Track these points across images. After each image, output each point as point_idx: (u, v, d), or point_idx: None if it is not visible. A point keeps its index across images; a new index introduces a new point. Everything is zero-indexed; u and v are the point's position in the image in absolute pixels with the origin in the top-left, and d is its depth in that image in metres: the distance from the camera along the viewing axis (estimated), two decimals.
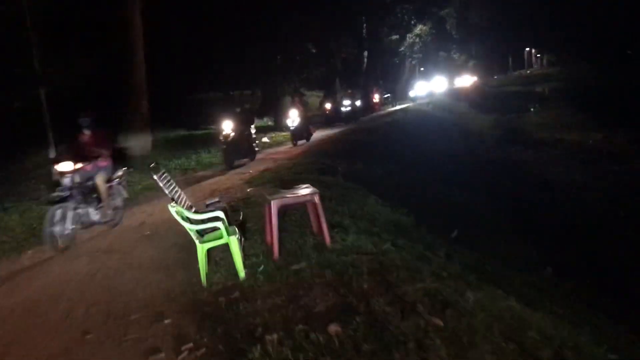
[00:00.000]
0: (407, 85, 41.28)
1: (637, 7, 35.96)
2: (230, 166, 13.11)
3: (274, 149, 17.22)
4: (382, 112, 30.76)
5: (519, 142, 23.85)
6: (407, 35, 36.05)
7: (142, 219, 8.07)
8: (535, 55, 73.31)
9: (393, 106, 35.02)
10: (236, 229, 4.96)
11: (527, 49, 70.05)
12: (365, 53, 34.15)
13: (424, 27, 37.87)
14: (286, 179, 9.20)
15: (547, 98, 44.10)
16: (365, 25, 32.30)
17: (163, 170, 6.24)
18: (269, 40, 22.76)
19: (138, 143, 15.46)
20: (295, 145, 17.03)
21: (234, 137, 13.22)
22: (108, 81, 17.07)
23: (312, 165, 11.39)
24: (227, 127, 13.24)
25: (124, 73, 15.84)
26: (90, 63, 17.80)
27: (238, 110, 15.94)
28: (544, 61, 70.26)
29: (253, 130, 14.72)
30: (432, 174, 14.84)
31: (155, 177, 5.83)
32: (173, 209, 4.69)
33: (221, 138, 13.30)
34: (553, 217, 12.52)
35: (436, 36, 39.57)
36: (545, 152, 21.26)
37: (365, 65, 34.27)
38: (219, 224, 4.76)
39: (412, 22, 35.73)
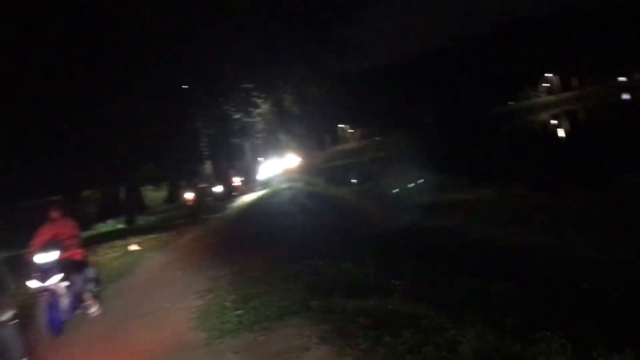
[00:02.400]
0: (253, 168, 38.93)
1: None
2: None
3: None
4: (247, 198, 27.99)
5: (412, 207, 22.46)
6: (252, 113, 33.79)
7: None
8: (348, 131, 77.39)
9: (252, 190, 32.11)
10: None
11: (340, 125, 73.50)
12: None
13: (266, 106, 36.09)
14: None
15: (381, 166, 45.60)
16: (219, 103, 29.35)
17: None
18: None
19: None
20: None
21: None
22: None
23: None
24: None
25: None
26: None
27: None
28: (357, 135, 74.59)
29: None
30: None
31: None
32: None
33: None
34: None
35: (279, 114, 38.18)
36: (455, 215, 19.98)
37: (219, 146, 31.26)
38: None
39: (258, 99, 33.70)
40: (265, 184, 35.30)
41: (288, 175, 39.18)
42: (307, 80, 38.99)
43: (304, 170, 46.49)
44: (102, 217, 26.19)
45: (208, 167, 33.48)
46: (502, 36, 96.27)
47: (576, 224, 13.45)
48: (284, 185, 29.89)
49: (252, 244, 13.30)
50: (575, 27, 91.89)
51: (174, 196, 32.78)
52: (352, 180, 41.55)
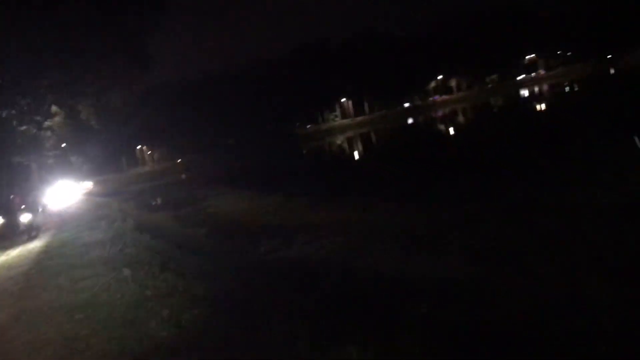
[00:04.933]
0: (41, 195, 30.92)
1: None
2: None
3: None
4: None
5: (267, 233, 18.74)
6: (43, 124, 26.89)
7: None
8: (147, 153, 71.17)
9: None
10: None
11: (139, 146, 67.23)
12: None
13: (57, 119, 29.41)
14: None
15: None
16: None
17: None
18: None
19: None
20: None
21: None
22: None
23: None
24: None
25: None
26: None
27: None
28: (155, 157, 69.08)
29: None
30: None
31: None
32: None
33: None
34: None
35: (74, 128, 31.55)
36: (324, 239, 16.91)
37: None
38: None
39: (51, 106, 27.04)
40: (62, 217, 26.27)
41: (89, 202, 32.48)
42: (108, 89, 33.09)
43: (105, 194, 40.47)
44: None
45: None
46: (299, 59, 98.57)
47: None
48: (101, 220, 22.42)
49: None
50: (364, 56, 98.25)
51: None
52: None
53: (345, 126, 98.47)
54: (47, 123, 27.69)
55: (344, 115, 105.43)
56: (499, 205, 12.64)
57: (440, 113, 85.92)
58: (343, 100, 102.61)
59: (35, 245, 16.13)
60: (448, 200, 14.97)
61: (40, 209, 23.80)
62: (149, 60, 37.09)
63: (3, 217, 20.48)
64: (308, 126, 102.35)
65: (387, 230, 12.78)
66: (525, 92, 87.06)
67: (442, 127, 60.80)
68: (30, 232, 18.96)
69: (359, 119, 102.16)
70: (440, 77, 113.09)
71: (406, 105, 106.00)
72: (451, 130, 52.04)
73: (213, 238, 18.02)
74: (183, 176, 61.39)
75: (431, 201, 15.75)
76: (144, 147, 70.19)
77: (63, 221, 23.17)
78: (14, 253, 15.06)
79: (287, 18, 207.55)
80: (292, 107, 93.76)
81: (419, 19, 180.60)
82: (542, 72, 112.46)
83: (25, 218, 18.99)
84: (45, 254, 13.40)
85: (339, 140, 78.13)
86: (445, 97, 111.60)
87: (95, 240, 13.50)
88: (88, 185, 47.97)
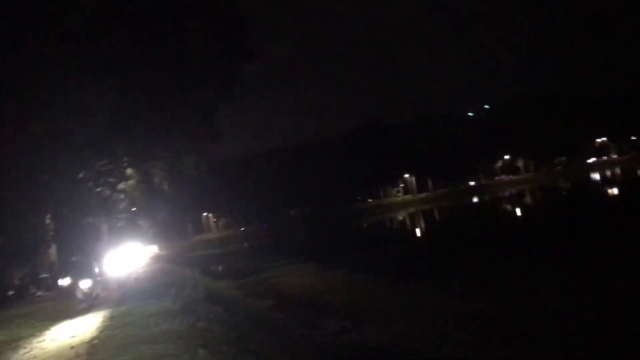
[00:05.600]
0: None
1: None
2: None
3: None
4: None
5: (336, 312, 17.92)
6: (117, 186, 27.45)
7: None
8: (212, 220, 72.44)
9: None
10: None
11: (205, 214, 68.59)
12: None
13: (131, 182, 30.04)
14: None
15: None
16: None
17: None
18: None
19: None
20: None
21: None
22: None
23: None
24: None
25: None
26: None
27: None
28: (219, 225, 70.12)
29: None
30: None
31: None
32: None
33: None
34: None
35: (146, 192, 32.12)
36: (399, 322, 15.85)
37: None
38: None
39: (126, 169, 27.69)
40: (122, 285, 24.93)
41: (155, 266, 32.50)
42: (181, 156, 33.88)
43: (170, 259, 40.80)
44: None
45: (52, 251, 26.44)
46: (365, 136, 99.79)
47: None
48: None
49: None
50: (430, 133, 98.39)
51: None
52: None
53: (407, 202, 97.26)
54: (120, 186, 28.25)
55: (407, 191, 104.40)
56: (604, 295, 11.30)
57: (507, 193, 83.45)
58: (406, 175, 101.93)
59: (98, 311, 15.52)
60: (536, 286, 13.74)
61: (99, 272, 22.52)
62: (219, 132, 38.34)
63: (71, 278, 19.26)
64: (369, 200, 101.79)
65: (479, 319, 11.57)
66: (596, 175, 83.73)
67: (509, 207, 58.49)
68: (90, 298, 17.02)
69: (422, 195, 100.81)
70: (507, 157, 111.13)
71: (471, 183, 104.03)
72: (520, 212, 49.75)
73: (280, 311, 17.27)
74: (245, 245, 61.78)
75: (516, 287, 14.52)
76: (210, 215, 71.53)
77: (129, 286, 22.95)
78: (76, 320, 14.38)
79: (351, 98, 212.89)
80: (354, 182, 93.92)
81: (486, 100, 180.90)
82: (614, 156, 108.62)
83: (85, 284, 16.53)
84: (110, 321, 12.87)
85: (401, 216, 76.87)
86: (512, 177, 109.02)
87: (164, 310, 12.81)
88: (154, 249, 48.71)
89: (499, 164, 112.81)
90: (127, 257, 31.77)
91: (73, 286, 16.83)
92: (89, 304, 15.84)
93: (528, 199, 64.28)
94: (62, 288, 19.63)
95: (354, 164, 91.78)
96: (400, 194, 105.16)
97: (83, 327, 12.63)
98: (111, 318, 13.31)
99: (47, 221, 23.63)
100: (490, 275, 17.37)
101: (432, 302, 14.96)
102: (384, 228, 63.26)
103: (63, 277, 20.35)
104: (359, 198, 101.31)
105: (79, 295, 16.06)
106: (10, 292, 22.27)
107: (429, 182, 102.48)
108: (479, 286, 15.56)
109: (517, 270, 17.00)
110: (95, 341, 10.34)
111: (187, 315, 11.44)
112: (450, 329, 11.50)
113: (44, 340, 11.67)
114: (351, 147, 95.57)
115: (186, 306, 13.19)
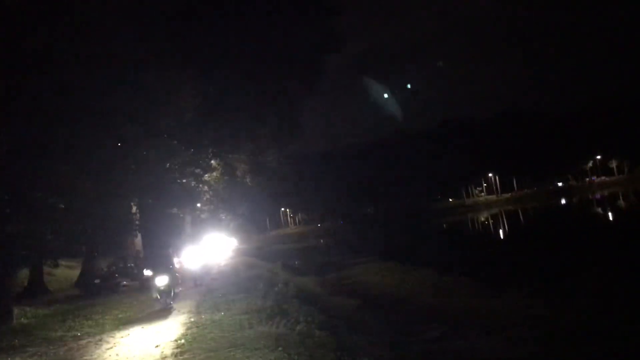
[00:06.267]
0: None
1: None
2: None
3: None
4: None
5: (427, 315, 16.40)
6: (202, 177, 27.03)
7: None
8: (290, 215, 72.62)
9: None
10: None
11: (283, 209, 68.73)
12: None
13: (215, 174, 29.68)
14: None
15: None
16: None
17: None
18: None
19: None
20: None
21: None
22: None
23: None
24: None
25: None
26: None
27: None
28: (297, 220, 70.17)
29: None
30: None
31: None
32: None
33: None
34: None
35: (229, 184, 31.80)
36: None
37: None
38: None
39: (210, 160, 27.30)
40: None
41: (237, 260, 32.00)
42: (264, 149, 33.28)
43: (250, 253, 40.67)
44: None
45: (138, 241, 26.38)
46: (446, 133, 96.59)
47: None
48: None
49: None
50: (516, 131, 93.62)
51: (87, 277, 23.86)
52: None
53: (490, 202, 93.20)
54: (205, 177, 27.93)
55: (490, 190, 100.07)
56: None
57: (598, 195, 77.59)
58: (490, 175, 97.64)
59: (184, 304, 14.60)
60: None
61: (180, 267, 21.44)
62: (300, 126, 37.68)
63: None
64: (450, 200, 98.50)
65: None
66: None
67: (602, 211, 53.48)
68: (167, 297, 14.70)
69: (506, 195, 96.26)
70: (598, 157, 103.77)
71: (559, 184, 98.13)
72: (613, 216, 45.13)
73: (369, 313, 15.92)
74: (322, 241, 61.24)
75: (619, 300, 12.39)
76: (288, 210, 71.68)
77: (212, 280, 22.22)
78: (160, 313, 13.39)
79: (434, 94, 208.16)
80: (435, 180, 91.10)
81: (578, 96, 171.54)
82: None
83: (161, 281, 14.41)
84: (197, 317, 11.91)
85: (483, 217, 73.44)
86: (604, 178, 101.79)
87: (255, 309, 11.62)
88: (233, 242, 48.86)
89: (590, 164, 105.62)
90: (211, 250, 31.27)
91: (150, 281, 15.41)
92: (165, 305, 14.17)
93: (622, 203, 58.72)
94: (146, 278, 19.03)
95: (435, 161, 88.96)
96: (483, 194, 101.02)
97: (168, 323, 11.78)
98: (198, 314, 12.36)
99: (134, 210, 23.40)
100: (588, 283, 15.25)
101: (530, 311, 13.05)
102: (465, 229, 60.53)
103: (147, 267, 19.72)
104: (438, 197, 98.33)
105: (154, 294, 14.55)
106: (97, 280, 22.15)
107: (514, 182, 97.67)
108: (586, 297, 13.47)
109: (616, 281, 14.70)
110: (182, 341, 9.34)
111: (283, 316, 10.24)
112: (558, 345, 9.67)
113: (128, 335, 10.88)
114: (433, 143, 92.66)
115: (278, 304, 12.02)
